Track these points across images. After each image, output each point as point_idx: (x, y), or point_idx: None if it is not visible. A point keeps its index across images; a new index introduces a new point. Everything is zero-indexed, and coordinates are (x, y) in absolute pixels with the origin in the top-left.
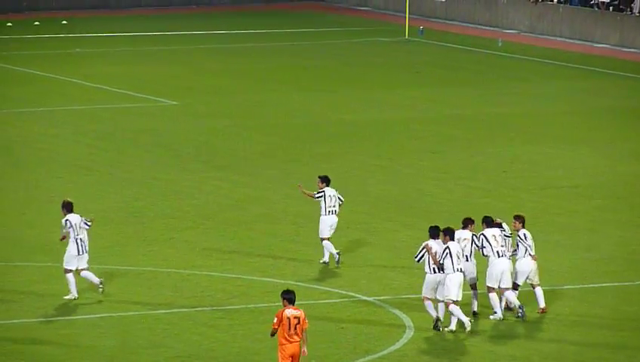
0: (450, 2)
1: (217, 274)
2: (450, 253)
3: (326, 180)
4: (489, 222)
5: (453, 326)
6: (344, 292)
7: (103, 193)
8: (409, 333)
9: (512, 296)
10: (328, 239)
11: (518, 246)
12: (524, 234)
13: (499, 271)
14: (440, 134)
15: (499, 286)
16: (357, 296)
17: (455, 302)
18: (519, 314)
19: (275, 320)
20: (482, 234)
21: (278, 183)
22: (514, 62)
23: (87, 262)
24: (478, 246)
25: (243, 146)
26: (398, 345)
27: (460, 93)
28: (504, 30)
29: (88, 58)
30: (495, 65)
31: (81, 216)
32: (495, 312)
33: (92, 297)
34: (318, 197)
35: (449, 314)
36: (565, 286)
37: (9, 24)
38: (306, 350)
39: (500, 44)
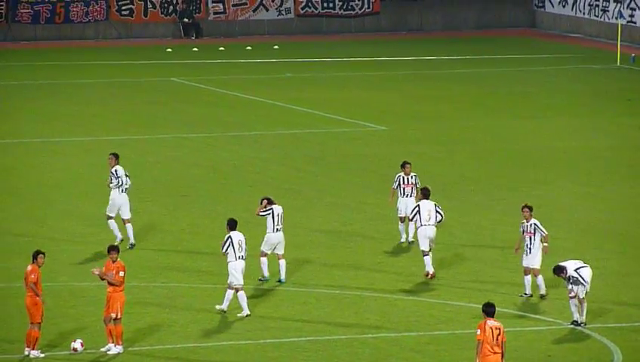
0: None
1: (424, 300)
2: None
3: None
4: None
5: None
6: (551, 319)
7: (312, 217)
8: None
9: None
10: None
11: None
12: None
13: (274, 242)
14: None
15: (274, 252)
16: (564, 324)
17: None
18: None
19: (479, 331)
20: None
21: (487, 209)
22: None
23: None
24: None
25: (451, 172)
26: None
27: None
28: None
29: (297, 82)
30: None
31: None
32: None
33: (298, 319)
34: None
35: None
36: None
37: (221, 48)
38: None
39: None
